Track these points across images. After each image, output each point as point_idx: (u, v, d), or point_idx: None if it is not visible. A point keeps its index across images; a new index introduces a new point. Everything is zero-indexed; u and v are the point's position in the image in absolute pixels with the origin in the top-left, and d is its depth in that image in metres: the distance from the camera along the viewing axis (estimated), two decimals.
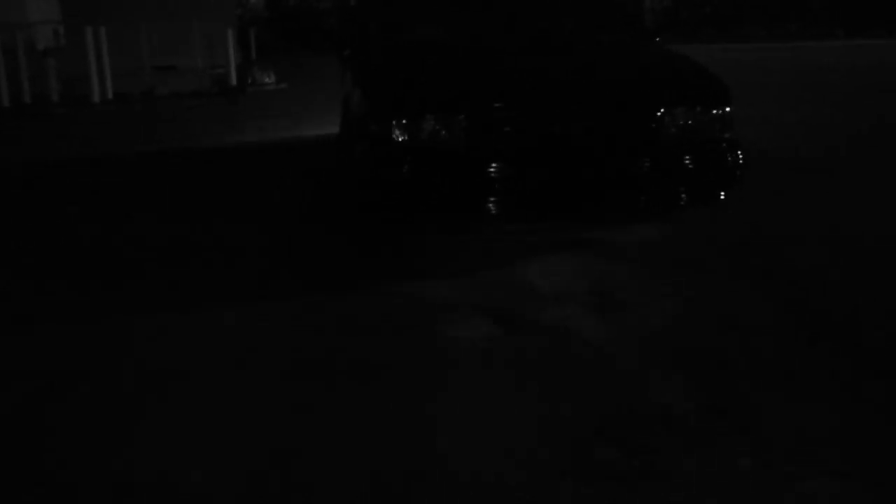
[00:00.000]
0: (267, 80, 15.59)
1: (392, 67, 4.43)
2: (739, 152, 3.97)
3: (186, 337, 3.32)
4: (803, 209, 5.10)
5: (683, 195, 3.93)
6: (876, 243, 4.33)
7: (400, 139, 3.71)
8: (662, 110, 3.84)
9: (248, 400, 2.75)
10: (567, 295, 3.65)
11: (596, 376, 2.86)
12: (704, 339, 3.15)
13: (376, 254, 4.45)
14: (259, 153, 8.33)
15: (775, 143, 7.41)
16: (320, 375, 2.92)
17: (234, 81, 14.95)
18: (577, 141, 3.82)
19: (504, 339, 3.20)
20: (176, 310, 3.63)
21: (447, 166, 3.74)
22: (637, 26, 5.50)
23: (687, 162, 3.86)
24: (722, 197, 4.00)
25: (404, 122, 3.71)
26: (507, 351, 3.09)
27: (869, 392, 2.70)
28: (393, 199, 3.83)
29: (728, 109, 3.95)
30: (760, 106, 9.94)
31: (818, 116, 9.32)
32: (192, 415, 2.67)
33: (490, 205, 3.77)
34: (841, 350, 3.01)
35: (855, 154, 7.02)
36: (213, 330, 3.38)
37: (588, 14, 5.40)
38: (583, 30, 5.26)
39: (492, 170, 3.72)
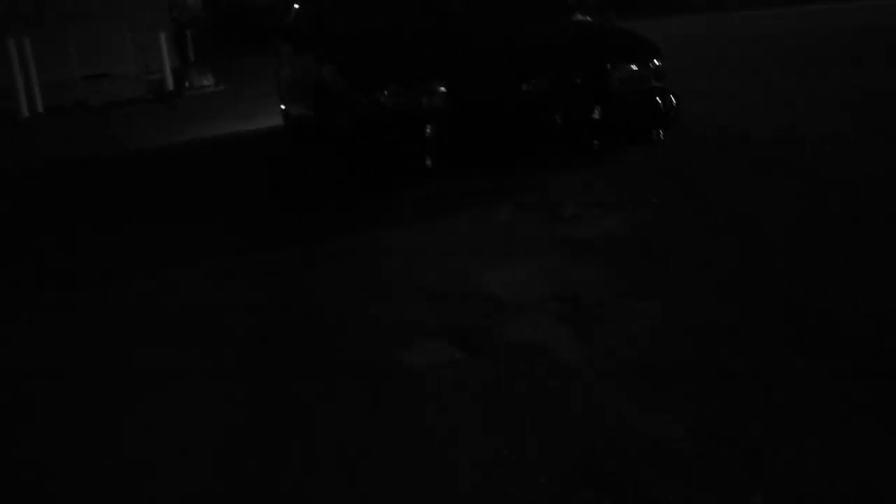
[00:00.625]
0: (206, 82, 15.02)
1: (366, 47, 4.97)
2: (672, 97, 4.69)
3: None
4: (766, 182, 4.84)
5: (630, 133, 4.71)
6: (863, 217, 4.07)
7: (389, 106, 4.26)
8: (609, 65, 4.56)
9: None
10: (534, 303, 3.31)
11: (574, 405, 2.53)
12: (691, 350, 2.84)
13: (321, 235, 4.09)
14: (202, 151, 8.05)
15: (755, 120, 7.17)
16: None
17: (170, 86, 14.38)
18: (543, 94, 4.46)
19: (468, 364, 2.86)
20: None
21: (431, 124, 4.26)
22: (563, 3, 6.07)
23: (630, 106, 4.58)
24: (661, 136, 4.71)
25: (390, 91, 4.27)
26: (471, 379, 2.75)
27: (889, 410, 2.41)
28: (383, 156, 4.35)
29: (658, 62, 4.69)
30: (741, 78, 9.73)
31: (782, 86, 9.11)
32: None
33: (472, 151, 4.41)
34: (841, 350, 2.72)
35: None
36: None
37: None
38: (519, 8, 5.88)
39: (471, 124, 4.34)
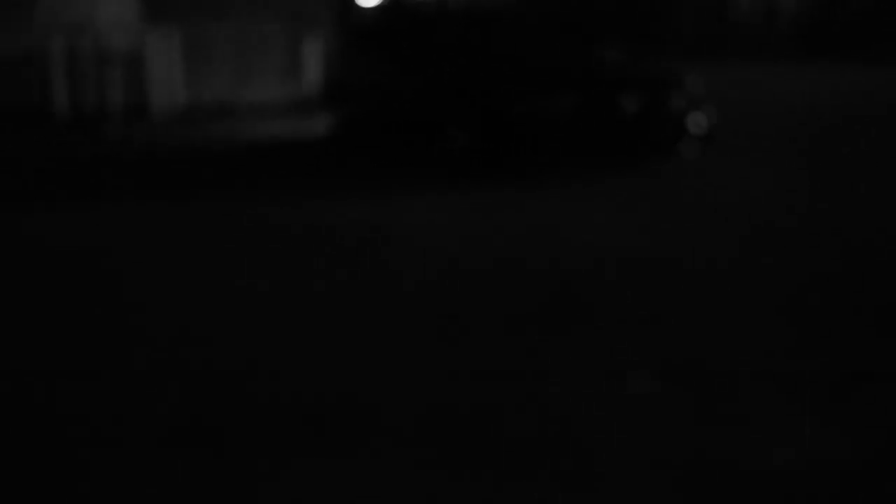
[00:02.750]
0: None
1: (488, 68, 6.91)
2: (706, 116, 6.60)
3: None
4: None
5: (668, 140, 6.50)
6: None
7: (519, 110, 6.39)
8: (663, 87, 6.56)
9: None
10: None
11: None
12: None
13: None
14: None
15: None
16: None
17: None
18: (629, 103, 6.37)
19: None
20: None
21: (548, 124, 6.30)
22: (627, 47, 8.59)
23: (667, 121, 6.51)
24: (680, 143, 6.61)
25: (522, 101, 6.41)
26: None
27: None
28: (504, 143, 6.37)
29: (695, 87, 6.55)
30: None
31: None
32: None
33: (563, 143, 6.42)
34: None
35: None
36: None
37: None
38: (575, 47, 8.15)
39: (569, 124, 6.34)
